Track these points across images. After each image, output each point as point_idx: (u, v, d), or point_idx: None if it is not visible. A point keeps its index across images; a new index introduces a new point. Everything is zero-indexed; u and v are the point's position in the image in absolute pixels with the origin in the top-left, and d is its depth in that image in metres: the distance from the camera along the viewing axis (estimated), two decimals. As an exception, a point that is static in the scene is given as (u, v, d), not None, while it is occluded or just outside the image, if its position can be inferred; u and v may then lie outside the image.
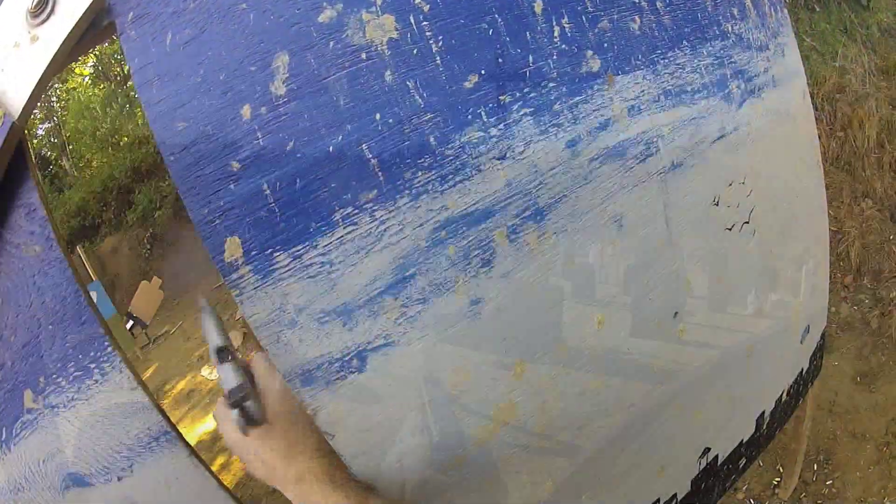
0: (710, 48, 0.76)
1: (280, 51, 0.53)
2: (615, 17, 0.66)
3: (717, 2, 0.78)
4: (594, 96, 0.64)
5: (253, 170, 0.52)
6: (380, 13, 0.55)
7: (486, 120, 0.57)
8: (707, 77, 0.75)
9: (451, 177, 0.56)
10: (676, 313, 0.76)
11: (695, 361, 0.81)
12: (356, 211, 0.53)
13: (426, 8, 0.56)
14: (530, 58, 0.60)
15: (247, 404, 0.55)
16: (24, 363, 0.61)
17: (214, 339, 0.60)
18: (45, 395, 0.60)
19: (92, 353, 0.57)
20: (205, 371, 3.93)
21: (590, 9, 0.64)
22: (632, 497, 0.81)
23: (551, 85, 0.61)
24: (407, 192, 0.54)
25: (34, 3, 0.54)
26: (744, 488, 1.85)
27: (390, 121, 0.54)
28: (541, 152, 0.60)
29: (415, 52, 0.55)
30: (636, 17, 0.68)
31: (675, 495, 0.87)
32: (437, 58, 0.56)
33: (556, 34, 0.62)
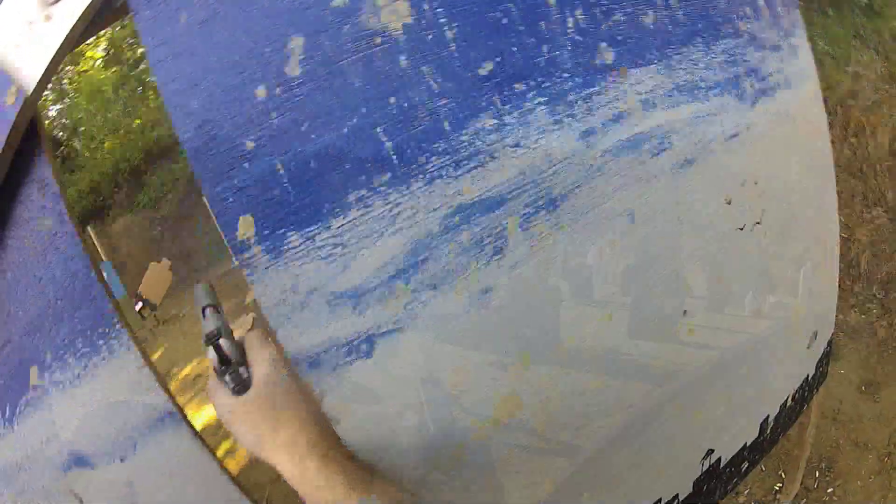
0: (724, 45, 0.75)
1: (295, 33, 0.53)
2: (629, 10, 0.66)
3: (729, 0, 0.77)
4: (608, 88, 0.63)
5: (267, 149, 0.52)
6: (395, -2, 0.54)
7: (500, 107, 0.57)
8: (720, 74, 0.74)
9: (465, 163, 0.55)
10: (685, 312, 0.75)
11: (695, 362, 0.80)
12: (370, 193, 0.53)
13: (441, -6, 0.56)
14: (544, 47, 0.59)
15: (221, 342, 0.54)
16: (32, 339, 0.61)
17: (202, 301, 0.61)
18: (52, 371, 0.60)
19: (101, 330, 0.57)
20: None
21: (603, 1, 0.64)
22: (633, 497, 0.81)
23: (565, 75, 0.60)
24: (421, 176, 0.54)
25: (50, -18, 0.55)
26: (745, 492, 1.84)
27: (405, 105, 0.54)
28: (555, 142, 0.59)
29: (429, 37, 0.55)
30: (649, 12, 0.68)
31: (676, 496, 0.87)
32: (452, 44, 0.56)
33: (569, 24, 0.61)
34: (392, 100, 0.54)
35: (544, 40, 0.59)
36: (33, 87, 0.56)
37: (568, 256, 0.62)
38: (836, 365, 2.02)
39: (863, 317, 2.08)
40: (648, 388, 0.75)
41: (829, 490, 1.80)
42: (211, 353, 0.54)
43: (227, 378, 0.54)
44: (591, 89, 0.62)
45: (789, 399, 1.05)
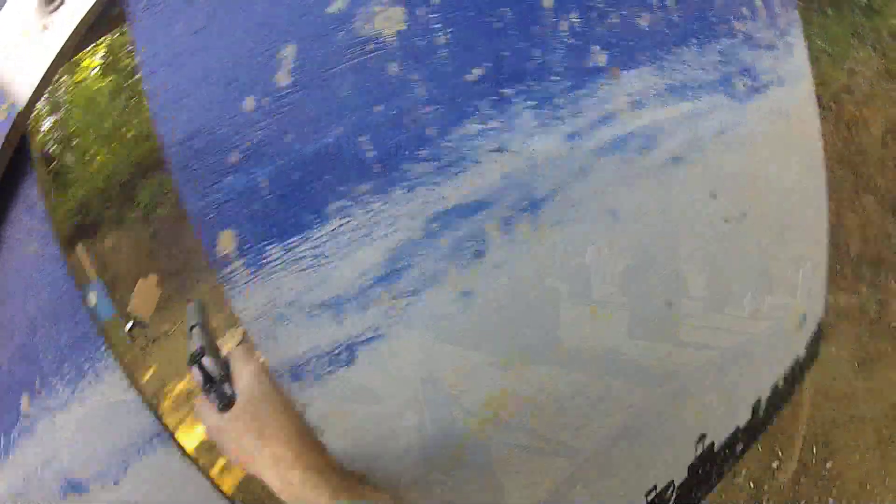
0: (718, 45, 0.75)
1: (288, 41, 0.52)
2: (624, 12, 0.66)
3: (726, -1, 0.77)
4: (598, 90, 0.63)
5: (251, 162, 0.51)
6: (390, 4, 0.54)
7: (485, 112, 0.57)
8: (713, 74, 0.74)
9: (447, 169, 0.55)
10: (671, 304, 0.75)
11: (695, 361, 0.81)
12: (350, 203, 0.53)
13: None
14: (536, 51, 0.59)
15: (204, 360, 0.55)
16: (21, 366, 0.61)
17: (191, 320, 0.61)
18: (41, 397, 0.60)
19: (86, 353, 0.57)
20: (205, 373, 3.90)
21: (599, 4, 0.64)
22: (629, 489, 0.81)
23: (555, 79, 0.60)
24: (403, 183, 0.54)
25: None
26: (743, 472, 1.86)
27: (391, 112, 0.54)
28: (539, 145, 0.59)
29: (422, 44, 0.55)
30: (645, 14, 0.67)
31: (671, 482, 0.88)
32: (444, 50, 0.56)
33: (563, 28, 0.61)
34: (378, 107, 0.54)
35: (536, 44, 0.59)
36: (25, 102, 0.56)
37: (554, 256, 0.62)
38: (829, 345, 2.04)
39: (854, 297, 2.10)
40: (646, 387, 0.76)
41: (827, 465, 1.82)
42: (195, 371, 0.54)
43: (212, 395, 0.54)
44: (580, 91, 0.62)
45: (780, 381, 1.06)
